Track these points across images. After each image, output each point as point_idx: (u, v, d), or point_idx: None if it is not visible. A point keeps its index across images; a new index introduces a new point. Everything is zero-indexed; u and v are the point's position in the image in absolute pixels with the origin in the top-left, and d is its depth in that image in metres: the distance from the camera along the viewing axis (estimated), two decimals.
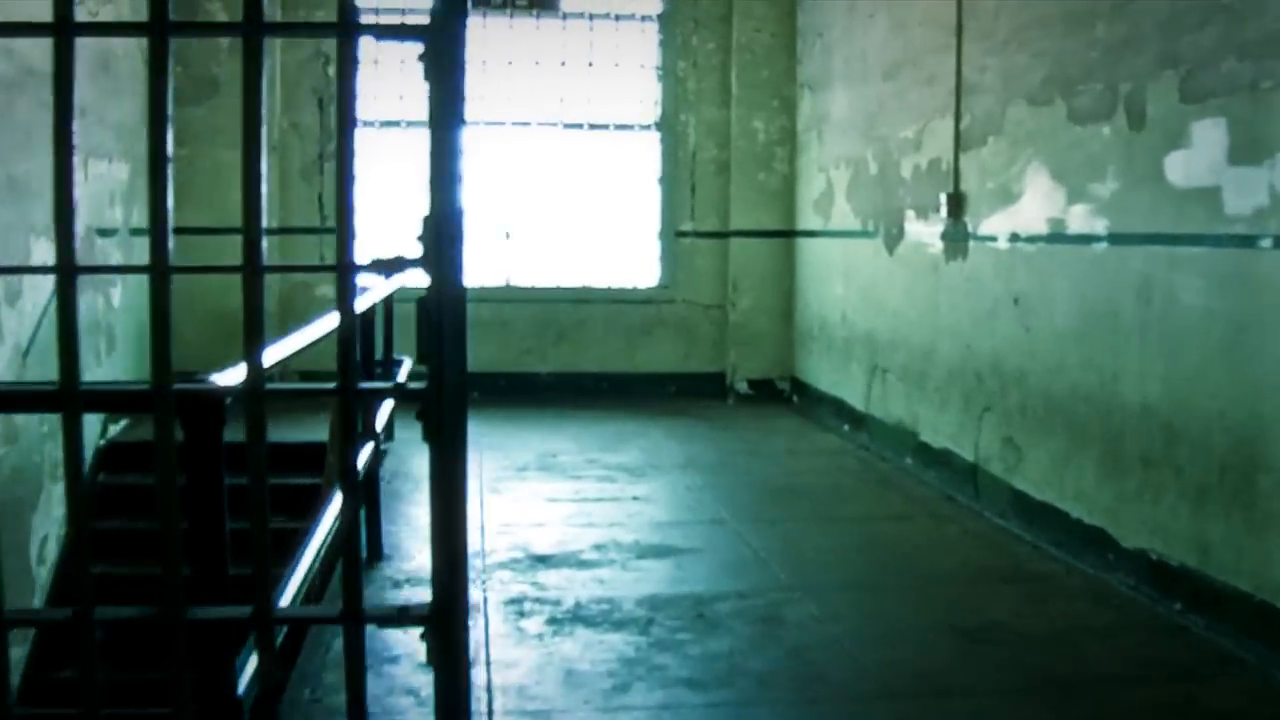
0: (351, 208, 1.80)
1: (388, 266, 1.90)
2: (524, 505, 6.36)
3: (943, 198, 6.73)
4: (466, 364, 1.78)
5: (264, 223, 1.94)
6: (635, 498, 6.55)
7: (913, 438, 7.34)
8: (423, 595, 2.77)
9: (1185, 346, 4.62)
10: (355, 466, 1.94)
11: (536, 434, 8.56)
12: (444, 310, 1.76)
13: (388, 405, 7.33)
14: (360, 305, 6.97)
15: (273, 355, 3.19)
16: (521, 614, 4.67)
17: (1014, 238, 5.97)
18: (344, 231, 1.75)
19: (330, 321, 4.62)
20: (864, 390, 8.27)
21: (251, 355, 1.72)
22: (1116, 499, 5.09)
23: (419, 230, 1.80)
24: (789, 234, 10.08)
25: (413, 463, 7.52)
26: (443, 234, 1.74)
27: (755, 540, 5.69)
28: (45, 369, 6.79)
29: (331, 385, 1.82)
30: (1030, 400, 5.83)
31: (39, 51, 6.24)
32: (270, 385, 2.31)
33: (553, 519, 6.06)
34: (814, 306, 9.54)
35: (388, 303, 8.26)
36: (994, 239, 6.19)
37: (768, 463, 7.67)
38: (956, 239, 6.65)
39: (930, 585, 5.10)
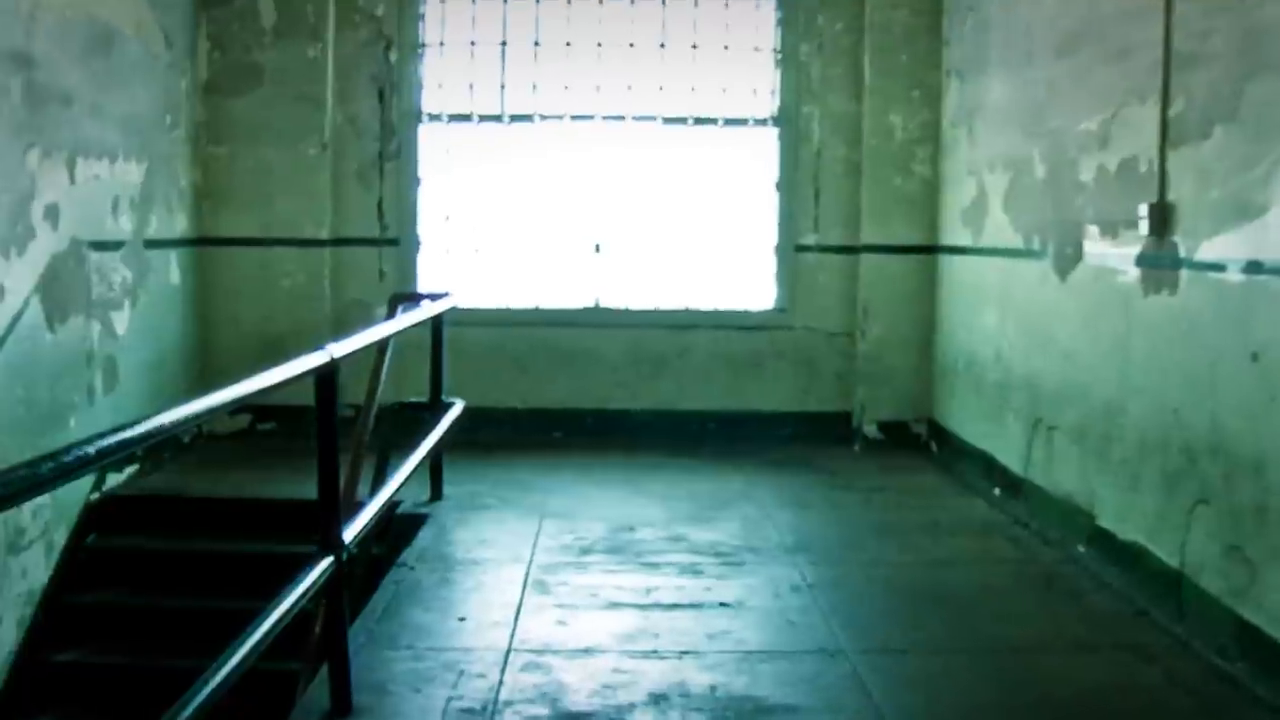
0: None
1: None
2: (573, 615, 4.83)
3: (1141, 209, 5.02)
4: None
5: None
6: (723, 604, 4.99)
7: (1088, 521, 5.65)
8: None
9: None
10: None
11: (616, 492, 7.05)
12: None
13: (422, 451, 5.92)
14: (387, 330, 5.55)
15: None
16: None
17: (1254, 267, 4.26)
18: None
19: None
20: (1022, 449, 6.59)
21: None
22: None
23: None
24: (930, 250, 8.41)
25: (454, 535, 6.07)
26: None
27: (879, 688, 4.08)
28: None
29: None
30: (1274, 500, 4.12)
31: None
32: None
33: (607, 641, 4.52)
34: (959, 338, 7.86)
35: (436, 326, 6.86)
36: (1220, 267, 4.48)
37: (899, 545, 6.03)
38: (1160, 265, 4.95)
39: None
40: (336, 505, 3.73)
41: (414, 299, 6.90)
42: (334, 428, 3.69)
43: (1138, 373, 5.16)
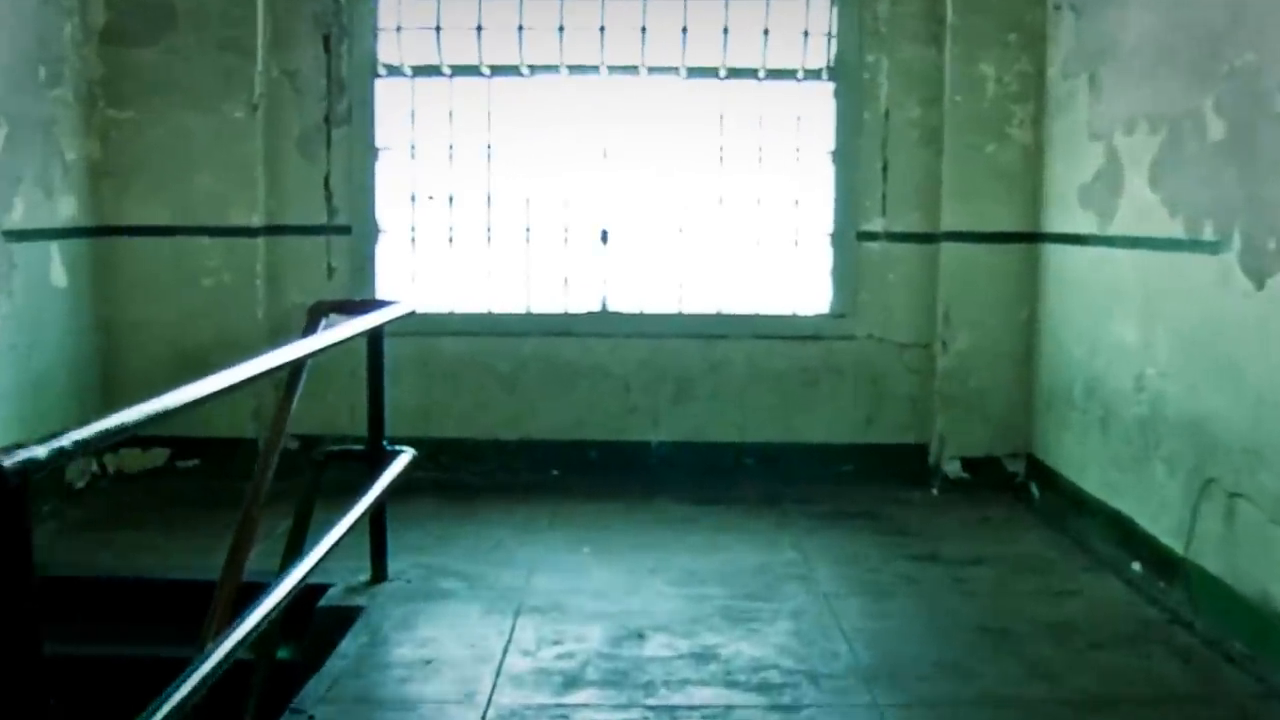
0: None
1: None
2: None
3: None
4: None
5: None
6: None
7: None
8: None
9: None
10: None
11: (624, 565, 5.25)
12: None
13: (350, 520, 4.19)
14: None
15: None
16: None
17: None
18: None
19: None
20: (1181, 516, 4.74)
21: None
22: None
23: None
24: (1033, 238, 6.54)
25: (389, 647, 4.30)
26: None
27: None
28: None
29: None
30: None
31: None
32: None
33: None
34: (1075, 355, 5.99)
35: (374, 346, 5.10)
36: None
37: (1023, 667, 4.17)
38: None
39: None
40: None
41: (348, 308, 5.09)
42: None
43: None
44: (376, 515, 4.94)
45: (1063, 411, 6.14)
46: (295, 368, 4.50)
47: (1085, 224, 5.89)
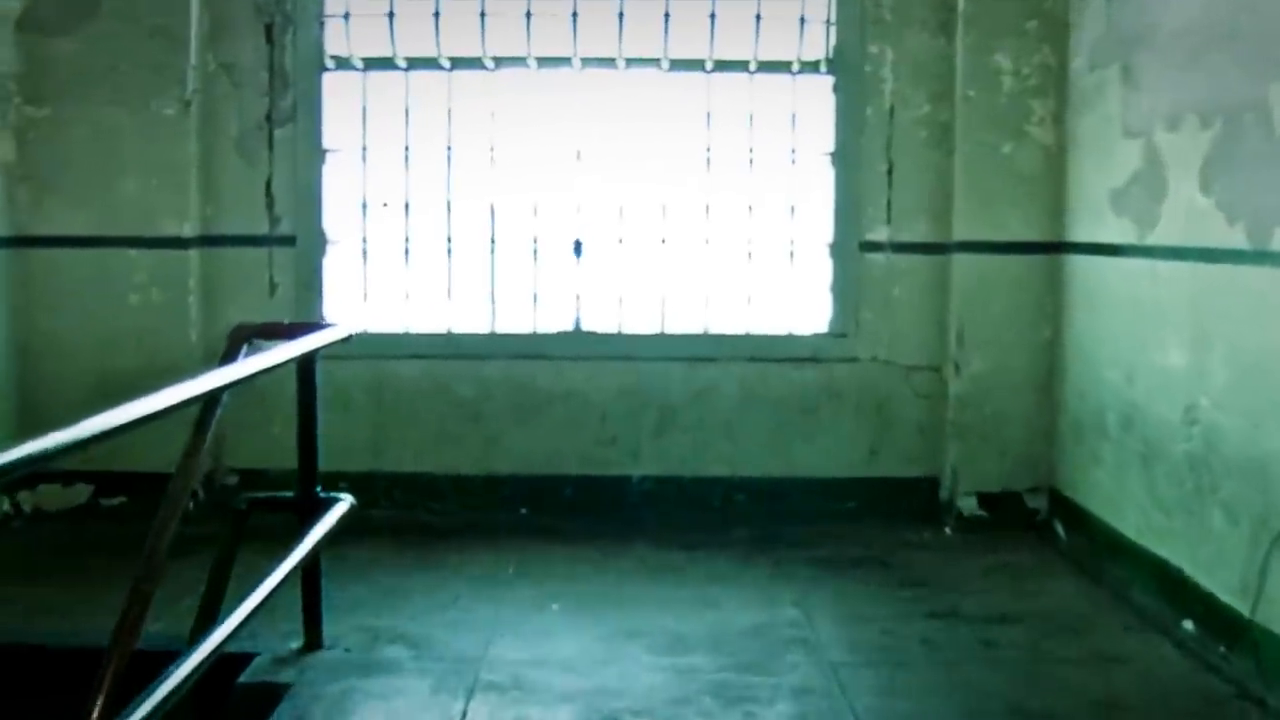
0: None
1: None
2: None
3: None
4: None
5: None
6: None
7: None
8: None
9: None
10: None
11: (597, 630, 4.55)
12: None
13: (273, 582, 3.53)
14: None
15: None
16: None
17: None
18: None
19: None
20: (1248, 573, 4.06)
21: None
22: None
23: None
24: (1055, 248, 5.88)
25: None
26: None
27: None
28: None
29: None
30: None
31: None
32: None
33: None
34: (1108, 380, 5.32)
35: (305, 376, 4.42)
36: None
37: None
38: None
39: None
40: None
41: (276, 332, 4.39)
42: None
43: None
44: (310, 572, 4.25)
45: (1094, 444, 5.46)
46: (209, 401, 3.81)
47: (1119, 232, 5.22)
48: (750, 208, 6.15)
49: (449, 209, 6.07)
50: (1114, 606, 4.86)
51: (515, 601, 4.85)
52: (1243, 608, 4.10)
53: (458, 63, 5.97)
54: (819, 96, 6.11)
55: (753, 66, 6.03)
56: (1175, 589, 4.58)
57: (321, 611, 4.33)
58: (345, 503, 4.27)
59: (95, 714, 3.05)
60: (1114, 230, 5.28)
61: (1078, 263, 5.72)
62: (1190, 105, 4.56)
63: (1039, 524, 5.98)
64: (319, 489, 4.30)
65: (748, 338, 6.19)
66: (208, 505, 5.90)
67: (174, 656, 2.79)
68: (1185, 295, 4.60)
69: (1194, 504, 4.48)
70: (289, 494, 4.34)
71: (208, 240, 5.98)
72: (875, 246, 6.11)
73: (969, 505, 6.02)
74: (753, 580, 5.18)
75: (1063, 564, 5.50)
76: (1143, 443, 4.93)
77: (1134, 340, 5.05)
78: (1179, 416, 4.60)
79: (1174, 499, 4.65)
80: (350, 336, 4.37)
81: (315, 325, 4.39)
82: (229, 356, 4.09)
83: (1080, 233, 5.69)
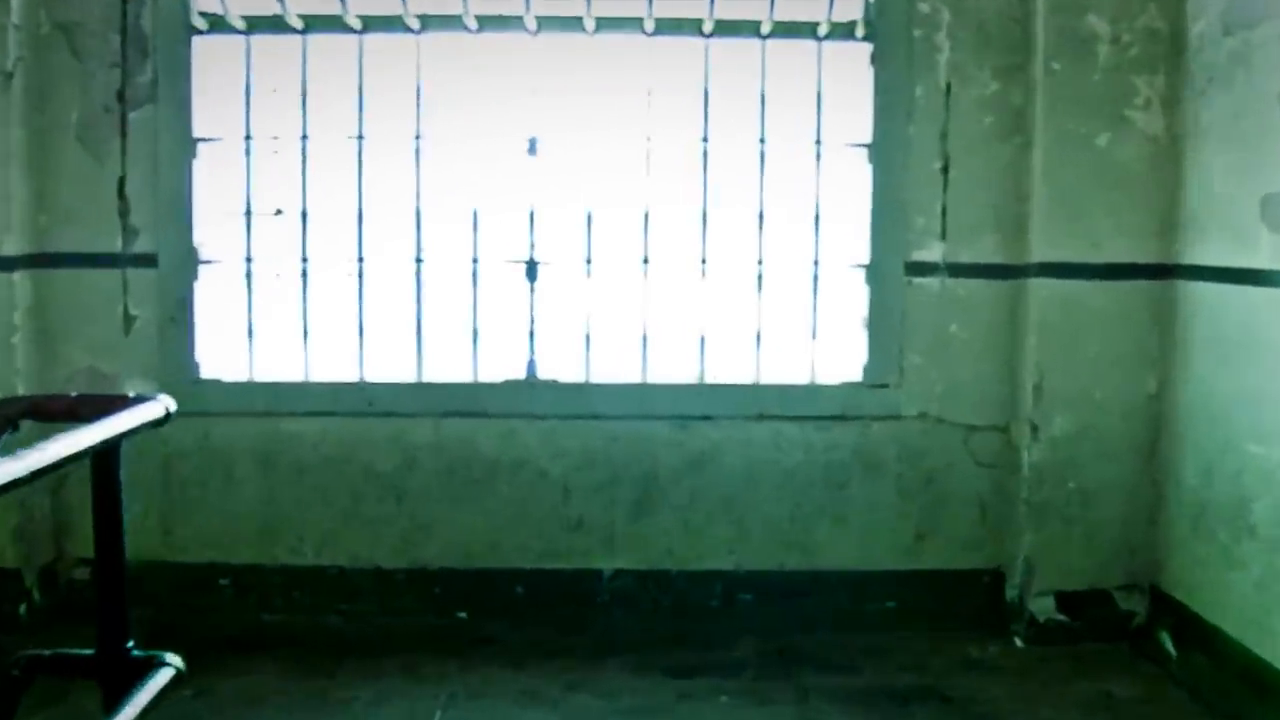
0: None
1: None
2: None
3: None
4: None
5: None
6: None
7: None
8: None
9: None
10: None
11: None
12: None
13: None
14: None
15: None
16: None
17: None
18: None
19: None
20: None
21: None
22: None
23: None
24: (1168, 272, 4.45)
25: None
26: None
27: None
28: None
29: None
30: None
31: None
32: None
33: None
34: (1248, 451, 3.89)
35: (103, 478, 2.98)
36: None
37: None
38: None
39: None
40: None
41: (54, 411, 2.92)
42: None
43: None
44: None
45: (1223, 536, 4.02)
46: None
47: (1266, 254, 3.79)
48: (760, 217, 4.70)
49: (360, 218, 4.62)
50: None
51: None
52: None
53: (370, 23, 4.51)
54: (853, 70, 4.66)
55: (766, 29, 4.57)
56: None
57: None
58: (167, 673, 2.86)
59: None
60: (1257, 251, 3.85)
61: (1199, 292, 4.27)
62: None
63: (1133, 631, 4.56)
64: (130, 645, 2.90)
65: (756, 389, 4.74)
66: (47, 610, 4.52)
67: None
68: None
69: None
70: (87, 652, 2.92)
71: (39, 260, 4.52)
72: (926, 269, 4.66)
73: (1044, 607, 4.59)
74: None
75: (1184, 698, 4.08)
76: None
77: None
78: None
79: None
80: (169, 415, 2.92)
81: (114, 400, 2.90)
82: None
83: (1203, 253, 4.25)
